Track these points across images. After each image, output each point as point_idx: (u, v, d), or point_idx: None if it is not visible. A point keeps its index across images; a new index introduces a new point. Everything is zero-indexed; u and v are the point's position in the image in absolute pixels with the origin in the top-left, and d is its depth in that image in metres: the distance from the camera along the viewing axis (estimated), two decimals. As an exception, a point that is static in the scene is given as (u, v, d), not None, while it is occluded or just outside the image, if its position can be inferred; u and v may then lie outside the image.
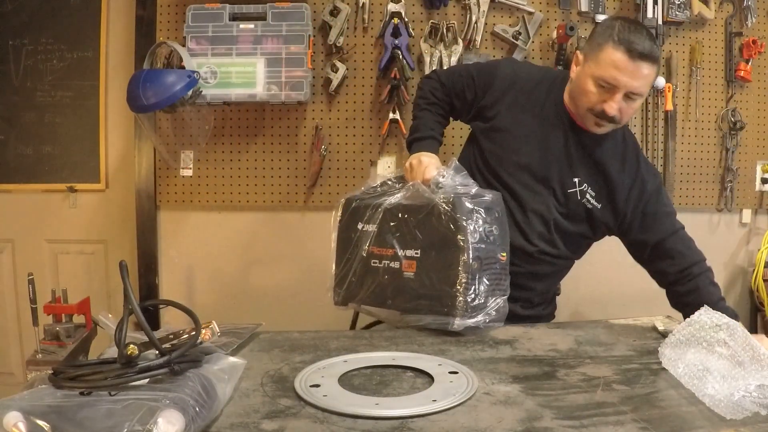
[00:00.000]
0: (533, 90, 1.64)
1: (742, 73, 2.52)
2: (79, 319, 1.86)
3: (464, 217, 1.37)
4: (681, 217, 2.60)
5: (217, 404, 0.97)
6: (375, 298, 1.48)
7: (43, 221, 2.59)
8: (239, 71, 2.26)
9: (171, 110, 2.32)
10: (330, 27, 2.34)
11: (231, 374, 1.05)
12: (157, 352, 0.98)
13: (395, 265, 1.44)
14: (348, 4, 2.36)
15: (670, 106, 2.50)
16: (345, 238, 1.55)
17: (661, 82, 2.50)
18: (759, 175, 2.61)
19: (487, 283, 1.40)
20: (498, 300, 1.41)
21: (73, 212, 2.59)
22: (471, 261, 1.36)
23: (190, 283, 2.55)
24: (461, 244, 1.36)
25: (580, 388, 1.10)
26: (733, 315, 1.35)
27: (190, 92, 2.18)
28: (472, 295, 1.36)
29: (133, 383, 0.92)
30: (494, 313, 1.40)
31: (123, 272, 1.01)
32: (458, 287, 1.36)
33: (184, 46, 2.25)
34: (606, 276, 2.59)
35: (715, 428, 0.93)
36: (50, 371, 0.95)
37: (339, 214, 1.58)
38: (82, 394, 0.89)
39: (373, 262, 1.48)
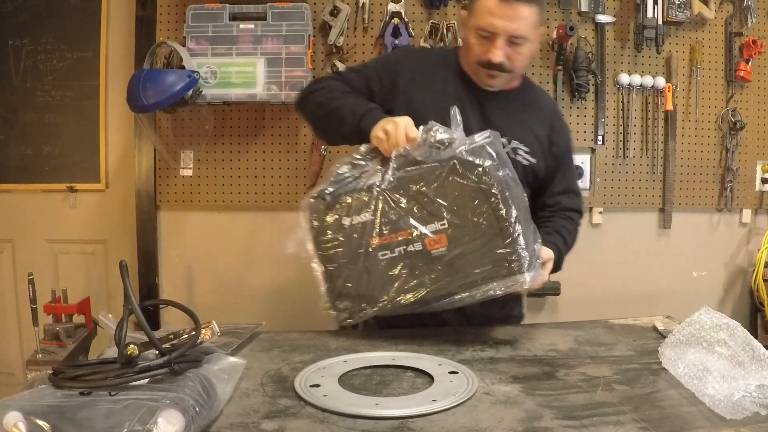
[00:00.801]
0: (435, 70, 1.58)
1: (742, 73, 2.52)
2: (79, 319, 1.86)
3: (492, 164, 1.21)
4: (681, 217, 2.63)
5: (217, 404, 0.97)
6: (405, 294, 1.28)
7: (43, 221, 2.59)
8: (239, 71, 2.26)
9: (171, 110, 2.32)
10: (330, 27, 2.34)
11: (231, 374, 1.05)
12: (157, 352, 0.98)
13: (416, 247, 1.25)
14: (348, 4, 2.36)
15: (670, 106, 2.50)
16: (327, 243, 1.31)
17: (661, 82, 2.50)
18: (759, 175, 2.62)
19: (525, 223, 1.25)
20: (538, 246, 1.29)
21: (73, 212, 2.58)
22: (512, 208, 1.21)
23: (190, 283, 2.55)
24: (498, 189, 1.20)
25: (580, 388, 1.10)
26: (562, 241, 1.50)
27: (190, 92, 2.18)
28: (523, 241, 1.22)
29: (133, 383, 0.92)
30: (540, 260, 1.29)
31: (123, 272, 1.01)
32: (515, 239, 1.20)
33: (184, 46, 2.25)
34: (606, 276, 2.60)
35: (715, 428, 0.93)
36: (50, 371, 0.95)
37: (309, 218, 1.33)
38: (82, 394, 0.89)
39: (383, 255, 1.27)
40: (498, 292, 1.23)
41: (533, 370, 1.19)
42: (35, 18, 2.52)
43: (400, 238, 1.26)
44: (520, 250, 1.21)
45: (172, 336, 1.27)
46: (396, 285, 1.28)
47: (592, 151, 2.54)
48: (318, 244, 1.32)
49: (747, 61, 2.52)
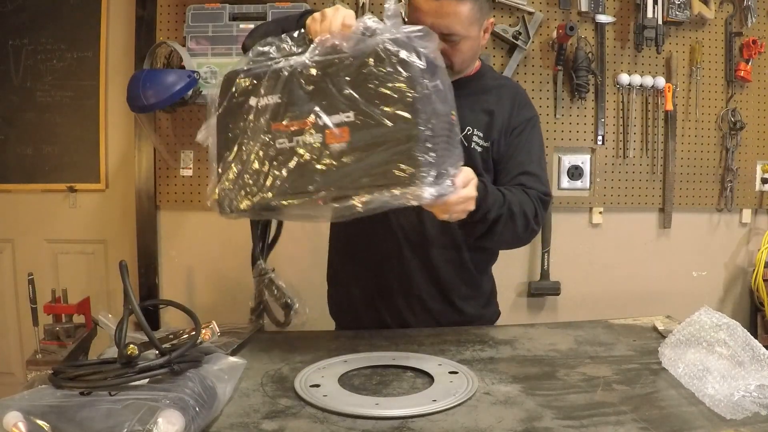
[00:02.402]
0: None
1: (742, 73, 2.52)
2: (79, 319, 1.86)
3: (418, 59, 1.07)
4: (681, 217, 2.63)
5: (217, 404, 0.97)
6: (290, 187, 1.12)
7: (43, 221, 2.59)
8: (239, 71, 2.26)
9: (171, 110, 2.32)
10: (330, 27, 2.34)
11: (231, 374, 1.06)
12: (157, 352, 0.98)
13: (316, 138, 1.10)
14: (348, 4, 2.36)
15: (670, 106, 2.50)
16: (229, 123, 1.20)
17: (661, 82, 2.50)
18: (759, 175, 2.62)
19: (444, 144, 1.10)
20: (454, 170, 1.13)
21: (73, 212, 2.59)
22: (422, 113, 1.06)
23: (190, 283, 2.55)
24: (418, 90, 1.06)
25: (580, 388, 1.10)
26: (499, 193, 1.29)
27: (190, 92, 2.19)
28: (434, 155, 1.06)
29: (133, 383, 0.92)
30: (453, 184, 1.12)
31: (123, 272, 1.01)
32: (420, 145, 1.05)
33: (184, 46, 2.25)
34: (606, 276, 2.60)
35: (715, 428, 0.93)
36: (50, 371, 0.95)
37: (217, 94, 1.23)
38: (82, 394, 0.89)
39: (280, 143, 1.13)
40: (394, 203, 1.06)
41: (533, 370, 1.19)
42: (35, 18, 2.52)
43: (299, 127, 1.12)
44: (420, 157, 1.04)
45: (172, 336, 1.27)
46: (291, 177, 1.13)
47: (592, 151, 2.54)
48: (220, 120, 1.22)
49: (747, 61, 2.52)
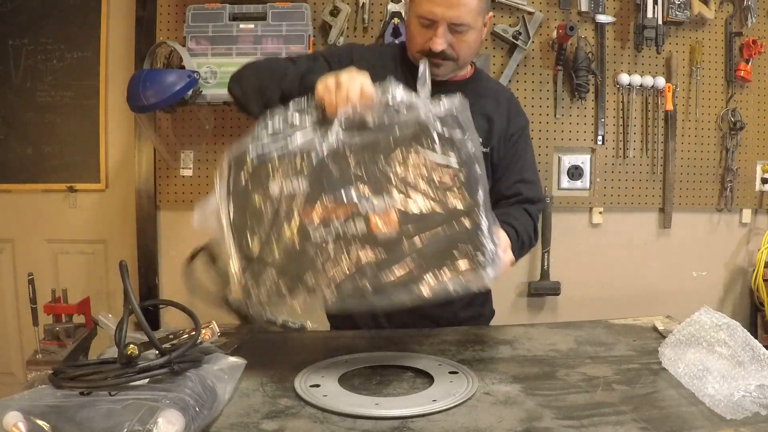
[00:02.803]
0: (380, 65, 1.48)
1: (742, 73, 2.52)
2: (79, 319, 1.86)
3: (462, 137, 1.01)
4: (681, 217, 2.63)
5: (217, 404, 0.97)
6: (338, 286, 1.03)
7: (43, 221, 2.59)
8: (239, 71, 2.26)
9: (171, 110, 2.32)
10: (330, 27, 2.34)
11: (231, 374, 1.06)
12: (157, 352, 0.98)
13: (358, 226, 1.00)
14: (348, 4, 2.36)
15: (670, 106, 2.50)
16: (242, 210, 1.07)
17: (661, 82, 2.50)
18: (759, 175, 2.62)
19: (491, 214, 1.05)
20: (497, 240, 1.07)
21: (73, 212, 2.58)
22: (479, 190, 1.01)
23: (190, 283, 2.55)
24: (466, 171, 1.01)
25: (580, 388, 1.10)
26: (523, 228, 1.38)
27: (190, 92, 2.18)
28: (489, 234, 1.02)
29: (133, 383, 0.92)
30: (500, 257, 1.07)
31: (123, 272, 1.01)
32: (479, 225, 1.00)
33: (184, 46, 2.25)
34: (606, 276, 2.60)
35: (715, 428, 0.93)
36: (50, 371, 0.95)
37: (227, 179, 1.09)
38: (82, 394, 0.89)
39: (316, 233, 1.02)
40: (455, 290, 1.01)
41: (533, 370, 1.19)
42: (35, 18, 2.52)
43: (338, 214, 1.01)
44: (484, 240, 1.00)
45: (172, 336, 1.27)
46: (329, 272, 1.02)
47: (592, 151, 2.54)
48: (237, 215, 1.08)
49: (747, 61, 2.52)
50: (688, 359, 1.11)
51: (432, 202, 1.01)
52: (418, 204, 1.01)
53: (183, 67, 2.21)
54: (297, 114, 1.10)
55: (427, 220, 1.01)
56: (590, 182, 2.54)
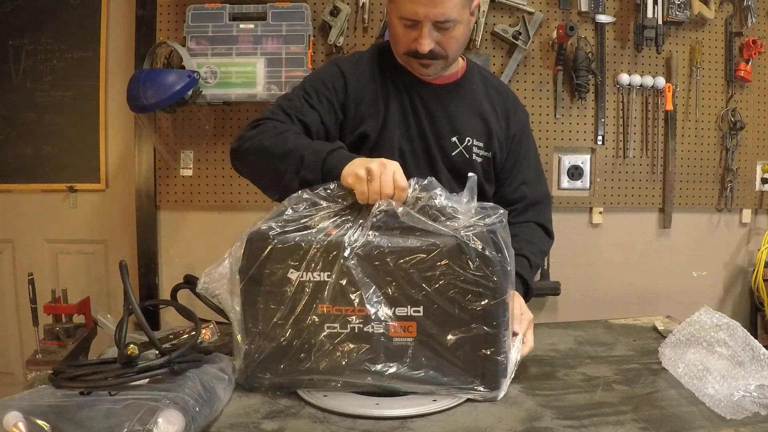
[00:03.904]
0: (370, 78, 1.44)
1: (742, 73, 2.52)
2: (79, 319, 1.86)
3: (498, 256, 1.00)
4: (681, 217, 2.63)
5: (217, 404, 0.97)
6: (342, 374, 1.04)
7: (43, 221, 2.59)
8: (239, 71, 2.26)
9: (171, 110, 2.32)
10: (330, 27, 2.34)
11: (231, 374, 1.06)
12: (157, 352, 0.98)
13: (377, 329, 1.01)
14: (348, 4, 2.36)
15: (670, 106, 2.50)
16: (258, 293, 1.04)
17: (661, 82, 2.50)
18: (759, 175, 2.61)
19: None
20: (519, 328, 1.14)
21: (73, 212, 2.58)
22: (507, 311, 1.02)
23: (190, 283, 2.55)
24: (497, 292, 1.00)
25: (580, 388, 1.10)
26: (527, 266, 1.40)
27: (190, 92, 2.18)
28: (506, 351, 1.04)
29: (133, 383, 0.92)
30: (524, 342, 1.14)
31: (123, 272, 1.01)
32: (499, 348, 1.02)
33: (184, 46, 2.25)
34: (606, 276, 2.60)
35: (715, 428, 0.93)
36: (50, 371, 0.96)
37: (246, 256, 1.05)
38: (82, 394, 0.89)
39: (330, 327, 1.03)
40: (457, 404, 1.02)
41: (533, 370, 1.19)
42: (35, 18, 2.52)
43: (357, 314, 1.01)
44: (501, 360, 1.02)
45: (172, 336, 1.27)
46: (335, 364, 1.03)
47: (592, 151, 2.54)
48: (249, 293, 1.05)
49: (747, 61, 2.52)
50: (688, 359, 1.11)
51: (457, 313, 1.01)
52: (437, 313, 1.01)
53: (183, 67, 2.21)
54: (323, 199, 1.09)
55: (447, 331, 1.01)
56: (590, 182, 2.54)
